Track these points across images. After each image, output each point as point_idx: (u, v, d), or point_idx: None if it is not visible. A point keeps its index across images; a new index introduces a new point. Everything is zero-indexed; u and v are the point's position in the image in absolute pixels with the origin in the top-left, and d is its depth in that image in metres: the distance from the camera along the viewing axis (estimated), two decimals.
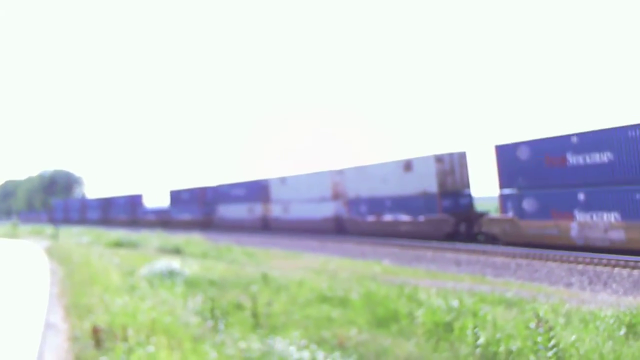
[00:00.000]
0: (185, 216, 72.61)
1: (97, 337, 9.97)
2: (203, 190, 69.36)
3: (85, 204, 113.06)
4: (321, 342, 10.11)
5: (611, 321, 11.07)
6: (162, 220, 76.78)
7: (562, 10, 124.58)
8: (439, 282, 19.77)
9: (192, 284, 17.35)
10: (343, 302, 14.13)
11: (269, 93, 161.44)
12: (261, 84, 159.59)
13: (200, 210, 69.01)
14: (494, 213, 31.68)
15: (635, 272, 21.15)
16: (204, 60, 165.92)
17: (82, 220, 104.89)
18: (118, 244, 38.25)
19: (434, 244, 33.13)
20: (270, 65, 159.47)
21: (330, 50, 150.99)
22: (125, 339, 9.71)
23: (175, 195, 76.32)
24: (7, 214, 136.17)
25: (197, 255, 30.07)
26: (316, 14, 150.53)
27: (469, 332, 9.67)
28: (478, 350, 9.09)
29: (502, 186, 29.75)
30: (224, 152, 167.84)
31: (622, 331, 10.42)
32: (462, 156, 35.40)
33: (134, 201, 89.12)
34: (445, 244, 32.28)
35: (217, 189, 67.13)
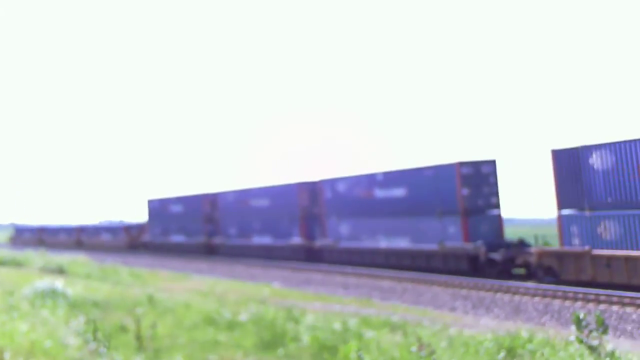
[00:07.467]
0: None
1: None
2: None
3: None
4: None
5: (491, 345, 11.50)
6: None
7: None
8: (327, 305, 19.99)
9: (75, 305, 16.88)
10: (230, 325, 14.08)
11: (268, 95, 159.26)
12: (261, 86, 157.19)
13: None
14: None
15: (516, 297, 22.06)
16: (204, 61, 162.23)
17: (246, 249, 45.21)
18: None
19: (324, 266, 33.55)
20: (270, 67, 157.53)
21: (330, 52, 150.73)
22: None
23: None
24: None
25: (81, 276, 29.26)
26: (316, 17, 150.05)
27: (353, 355, 9.84)
28: None
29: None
30: (222, 157, 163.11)
31: (502, 355, 10.84)
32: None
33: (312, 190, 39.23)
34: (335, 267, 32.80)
35: None
